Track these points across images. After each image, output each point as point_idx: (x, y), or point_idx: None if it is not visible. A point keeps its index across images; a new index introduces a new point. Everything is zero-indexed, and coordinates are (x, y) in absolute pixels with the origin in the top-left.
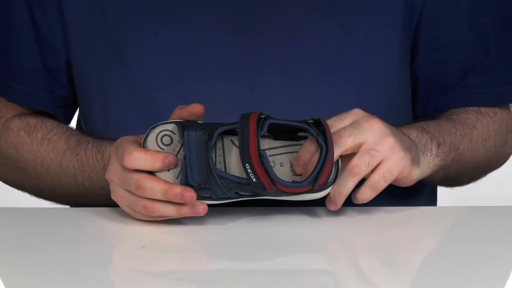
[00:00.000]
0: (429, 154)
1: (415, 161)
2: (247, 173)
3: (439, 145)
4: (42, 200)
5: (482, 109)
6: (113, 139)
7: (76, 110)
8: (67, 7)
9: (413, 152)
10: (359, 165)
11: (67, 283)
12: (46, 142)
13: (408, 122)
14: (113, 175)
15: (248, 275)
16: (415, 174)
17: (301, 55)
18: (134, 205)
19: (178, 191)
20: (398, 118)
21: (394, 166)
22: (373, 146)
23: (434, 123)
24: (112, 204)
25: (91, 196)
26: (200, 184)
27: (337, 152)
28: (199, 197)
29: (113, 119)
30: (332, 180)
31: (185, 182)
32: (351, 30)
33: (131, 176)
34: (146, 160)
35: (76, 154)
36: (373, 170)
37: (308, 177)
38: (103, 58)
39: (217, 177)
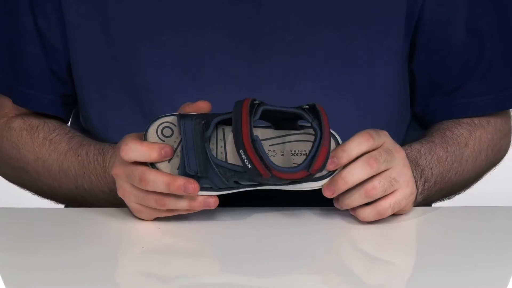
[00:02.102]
0: (416, 191)
1: (416, 198)
2: (242, 160)
3: (425, 182)
4: (42, 199)
5: (475, 120)
6: (113, 143)
7: (74, 107)
8: (67, 13)
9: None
10: (377, 189)
11: (67, 283)
12: (47, 143)
13: (411, 141)
14: (119, 169)
15: (248, 277)
16: (411, 206)
17: (302, 68)
18: (144, 200)
19: (181, 183)
20: (398, 124)
21: (404, 199)
22: (394, 175)
23: (428, 149)
24: (112, 205)
25: (90, 198)
26: (197, 173)
27: (369, 174)
28: (199, 188)
29: (111, 126)
30: (329, 173)
31: (183, 172)
32: (352, 43)
33: (135, 168)
34: (142, 150)
35: (78, 156)
36: (384, 196)
37: (303, 162)
38: (103, 66)
39: (214, 166)
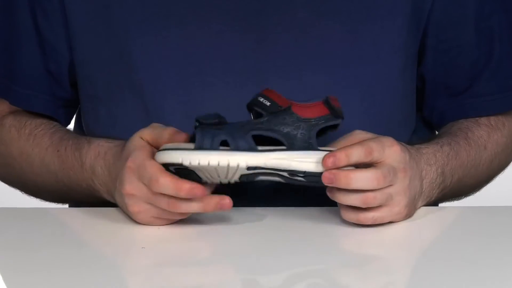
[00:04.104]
0: (427, 200)
1: (408, 214)
2: (260, 104)
3: (442, 189)
4: (39, 199)
5: (492, 122)
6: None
7: (75, 111)
8: (71, 12)
9: (413, 206)
10: (376, 200)
11: (67, 283)
12: (32, 138)
13: (439, 137)
14: (134, 190)
15: (248, 276)
16: (400, 220)
17: (308, 61)
18: (165, 214)
19: (216, 201)
20: (402, 123)
21: (389, 216)
22: (393, 193)
23: (454, 154)
24: (103, 204)
25: (71, 192)
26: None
27: (372, 188)
28: (216, 143)
29: (120, 123)
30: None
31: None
32: (358, 36)
33: (161, 197)
34: (171, 189)
35: (57, 151)
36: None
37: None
38: (110, 63)
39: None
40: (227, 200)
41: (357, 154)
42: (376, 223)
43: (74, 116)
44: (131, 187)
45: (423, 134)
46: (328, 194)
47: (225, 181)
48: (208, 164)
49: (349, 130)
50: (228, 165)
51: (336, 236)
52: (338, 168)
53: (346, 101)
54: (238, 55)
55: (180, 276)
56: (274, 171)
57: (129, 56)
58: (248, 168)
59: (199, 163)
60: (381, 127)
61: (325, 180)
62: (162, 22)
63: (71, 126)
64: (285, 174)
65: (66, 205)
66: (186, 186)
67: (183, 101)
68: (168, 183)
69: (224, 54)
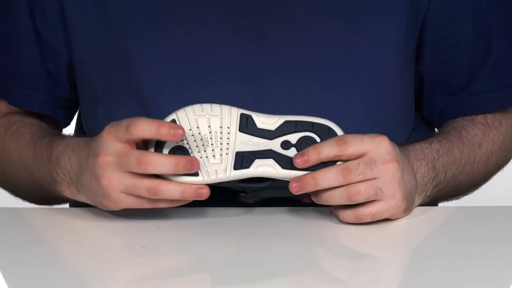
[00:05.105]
0: (423, 195)
1: (408, 208)
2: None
3: (436, 185)
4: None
5: (489, 120)
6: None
7: (76, 112)
8: (69, 12)
9: (410, 200)
10: (361, 195)
11: (67, 283)
12: (15, 135)
13: (429, 137)
14: (108, 156)
15: (248, 276)
16: (400, 217)
17: (306, 59)
18: (135, 188)
19: (187, 160)
20: (401, 121)
21: (387, 210)
22: (381, 186)
23: (446, 150)
24: (52, 195)
25: (39, 188)
26: None
27: (341, 183)
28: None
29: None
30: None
31: None
32: (356, 34)
33: (131, 152)
34: (151, 128)
35: (34, 146)
36: (367, 202)
37: None
38: (108, 62)
39: None
40: (204, 189)
41: (327, 148)
42: (375, 219)
43: (75, 117)
44: (105, 151)
45: (423, 132)
46: (313, 198)
47: (218, 158)
48: (202, 109)
49: (348, 128)
50: (221, 110)
51: (331, 234)
52: (310, 167)
53: (345, 99)
54: (237, 53)
55: (180, 275)
56: (266, 134)
57: (127, 55)
58: (241, 117)
59: (193, 110)
60: (380, 125)
61: (294, 190)
62: (160, 20)
63: (72, 127)
64: (277, 144)
65: (67, 205)
66: (167, 123)
67: (182, 100)
68: (147, 120)
69: (223, 52)
